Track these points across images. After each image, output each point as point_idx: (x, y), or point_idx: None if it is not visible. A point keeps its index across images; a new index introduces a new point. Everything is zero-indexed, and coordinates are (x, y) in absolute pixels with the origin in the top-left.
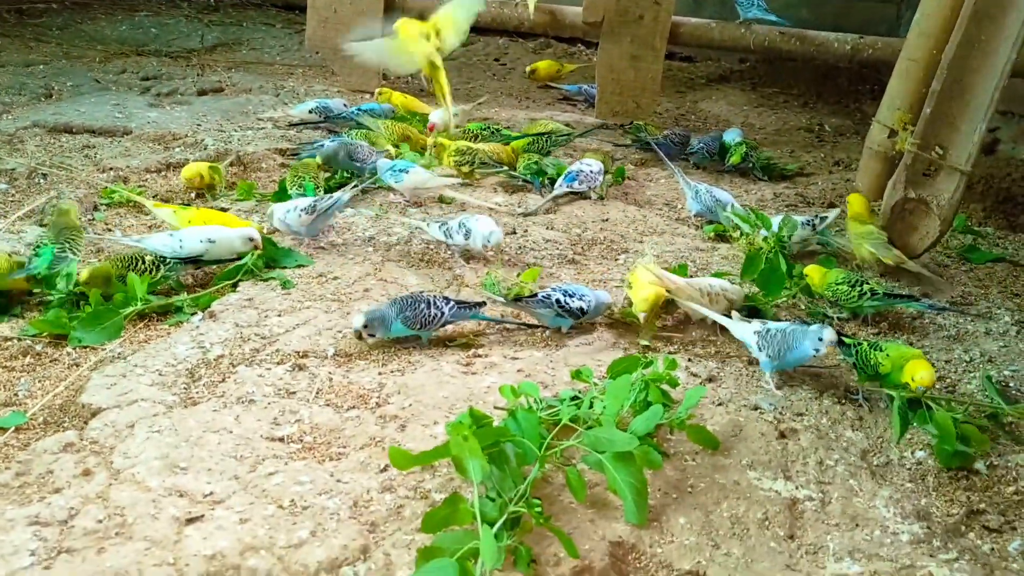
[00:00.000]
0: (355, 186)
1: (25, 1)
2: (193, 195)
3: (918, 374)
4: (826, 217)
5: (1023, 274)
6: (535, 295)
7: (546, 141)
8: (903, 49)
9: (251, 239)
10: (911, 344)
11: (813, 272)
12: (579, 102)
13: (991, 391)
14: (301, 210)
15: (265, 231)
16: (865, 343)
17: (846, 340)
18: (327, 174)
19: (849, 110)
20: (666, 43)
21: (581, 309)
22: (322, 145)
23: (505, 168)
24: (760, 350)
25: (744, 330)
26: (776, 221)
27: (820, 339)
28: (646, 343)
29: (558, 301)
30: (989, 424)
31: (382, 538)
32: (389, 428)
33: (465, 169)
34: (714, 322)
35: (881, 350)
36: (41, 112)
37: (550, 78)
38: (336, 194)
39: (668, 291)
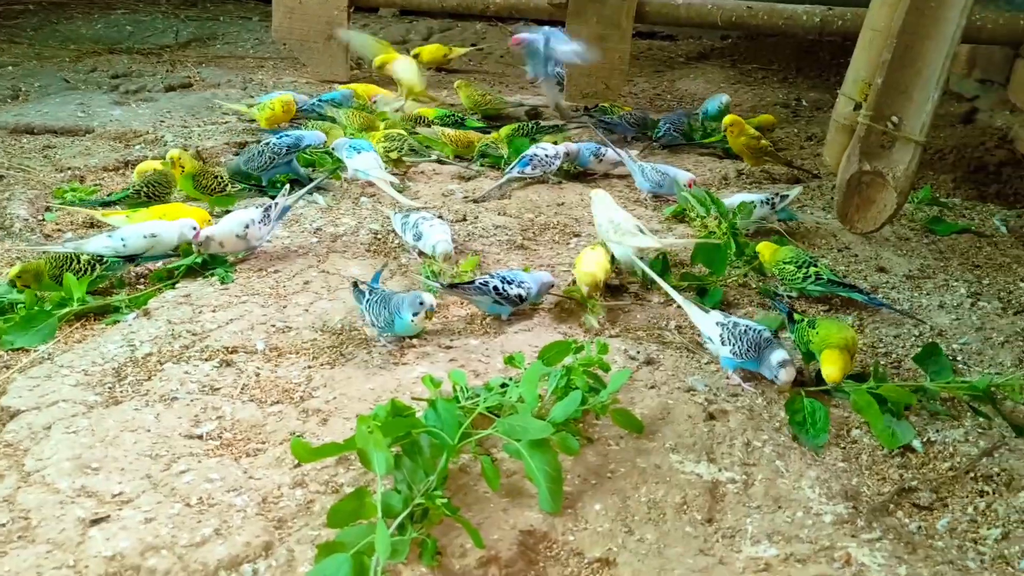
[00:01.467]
0: (304, 190)
1: (0, 4)
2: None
3: (825, 370)
4: (787, 195)
5: (986, 245)
6: (471, 282)
7: (533, 128)
8: (866, 19)
9: (193, 227)
10: (861, 320)
11: (764, 249)
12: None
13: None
14: (258, 222)
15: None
16: (805, 321)
17: (795, 317)
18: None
19: (828, 84)
20: (632, 22)
21: (520, 296)
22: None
23: (436, 156)
24: (724, 344)
25: (705, 320)
26: (734, 200)
27: (776, 378)
28: (594, 322)
29: (496, 288)
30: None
31: (288, 534)
32: (311, 423)
33: (393, 155)
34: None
35: (814, 328)
36: (4, 114)
37: (435, 63)
38: (281, 200)
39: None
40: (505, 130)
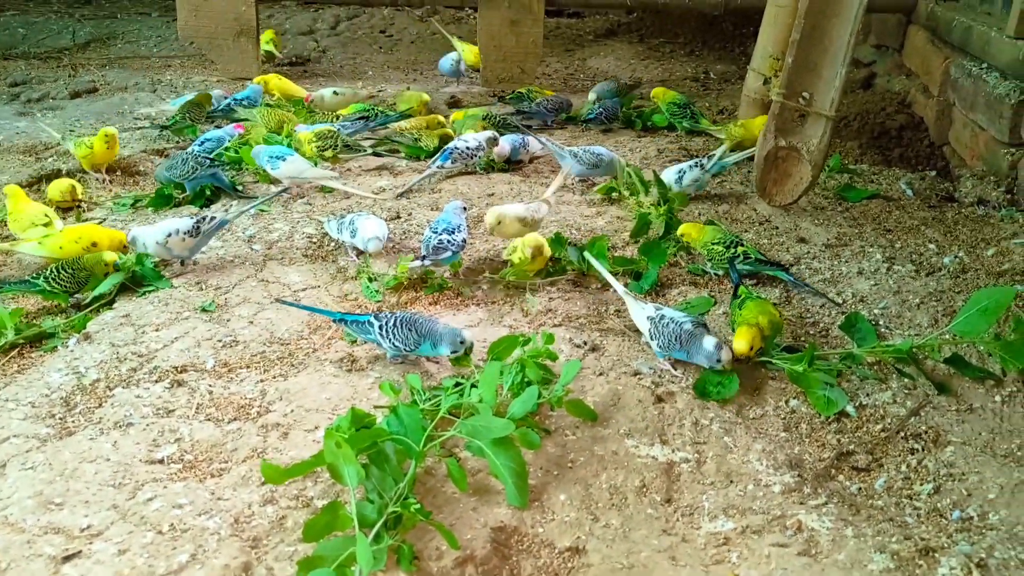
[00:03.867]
0: (244, 208)
1: None
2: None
3: (735, 344)
4: (713, 155)
5: (895, 210)
6: (435, 250)
7: (499, 122)
8: None
9: None
10: (788, 292)
11: (691, 230)
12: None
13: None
14: (184, 233)
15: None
16: (737, 301)
17: (740, 292)
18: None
19: (734, 55)
20: (544, 6)
21: (463, 240)
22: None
23: (369, 151)
24: (652, 338)
25: (639, 313)
26: (669, 174)
27: (718, 360)
28: (535, 303)
29: (451, 242)
30: (848, 366)
31: (264, 552)
32: (271, 437)
33: (328, 153)
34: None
35: (741, 309)
36: None
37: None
38: (219, 215)
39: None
40: (472, 111)
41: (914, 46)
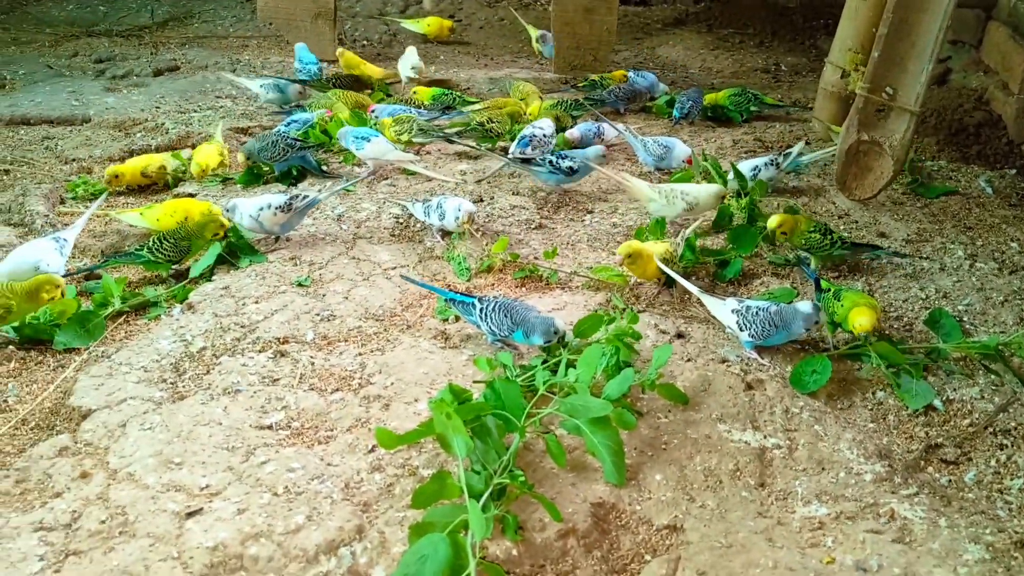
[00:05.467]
0: (338, 187)
1: None
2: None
3: (857, 321)
4: (790, 153)
5: (975, 207)
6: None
7: (571, 105)
8: None
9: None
10: (870, 286)
11: (786, 220)
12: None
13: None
14: (276, 208)
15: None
16: (831, 292)
17: (823, 285)
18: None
19: (804, 47)
20: None
21: (570, 168)
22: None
23: (443, 134)
24: (741, 329)
25: (721, 308)
26: (744, 167)
27: (816, 322)
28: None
29: (550, 161)
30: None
31: (375, 517)
32: (373, 408)
33: (405, 137)
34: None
35: (838, 299)
36: None
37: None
38: (312, 193)
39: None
40: (546, 104)
41: (994, 42)
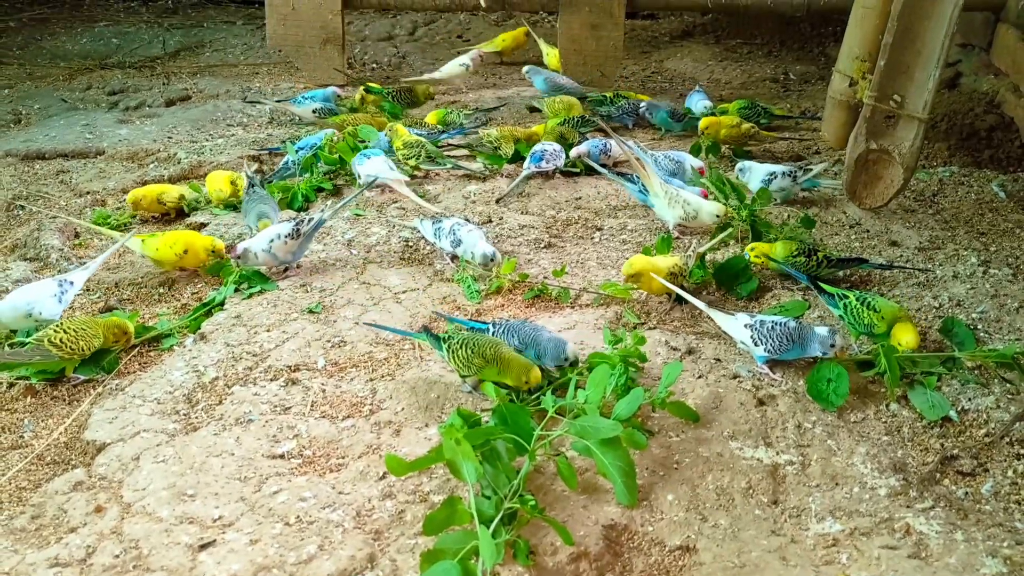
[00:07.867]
0: (338, 206)
1: None
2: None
3: (904, 338)
4: (810, 168)
5: (988, 212)
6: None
7: (578, 121)
8: None
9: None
10: (882, 294)
11: (763, 249)
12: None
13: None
14: (286, 236)
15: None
16: (853, 297)
17: (827, 289)
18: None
19: (813, 56)
20: (624, 9)
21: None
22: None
23: (452, 163)
24: (756, 344)
25: (732, 324)
26: (761, 171)
27: (832, 346)
28: (629, 315)
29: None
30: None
31: (387, 545)
32: (384, 434)
33: (412, 162)
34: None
35: (875, 309)
36: (11, 140)
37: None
38: (316, 215)
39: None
40: (552, 121)
41: (1004, 45)
